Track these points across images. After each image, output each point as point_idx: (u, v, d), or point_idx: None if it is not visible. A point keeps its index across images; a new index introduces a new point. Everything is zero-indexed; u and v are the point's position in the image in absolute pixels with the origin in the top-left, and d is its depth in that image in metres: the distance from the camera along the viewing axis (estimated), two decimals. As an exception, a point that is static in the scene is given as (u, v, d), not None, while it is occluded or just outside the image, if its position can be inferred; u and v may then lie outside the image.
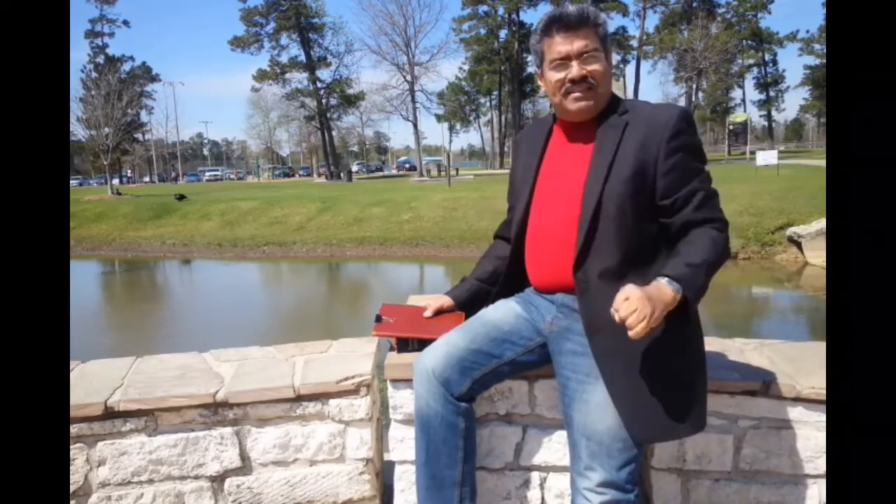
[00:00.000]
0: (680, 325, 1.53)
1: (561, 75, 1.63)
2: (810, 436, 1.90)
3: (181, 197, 25.77)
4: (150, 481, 2.06)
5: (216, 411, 2.05)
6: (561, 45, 1.62)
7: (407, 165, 59.37)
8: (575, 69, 1.61)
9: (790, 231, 13.86)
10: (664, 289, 1.46)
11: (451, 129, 59.62)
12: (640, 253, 1.60)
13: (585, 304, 1.63)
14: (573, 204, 1.64)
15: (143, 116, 59.21)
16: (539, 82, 1.76)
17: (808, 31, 56.08)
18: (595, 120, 1.67)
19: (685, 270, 1.49)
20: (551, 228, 1.70)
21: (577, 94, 1.63)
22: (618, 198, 1.58)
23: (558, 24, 1.62)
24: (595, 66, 1.62)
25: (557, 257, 1.67)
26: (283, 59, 49.69)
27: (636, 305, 1.40)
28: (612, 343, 1.57)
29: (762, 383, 1.90)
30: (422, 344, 1.86)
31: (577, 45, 1.60)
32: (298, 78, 50.05)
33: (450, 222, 18.20)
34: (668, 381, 1.58)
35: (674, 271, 1.49)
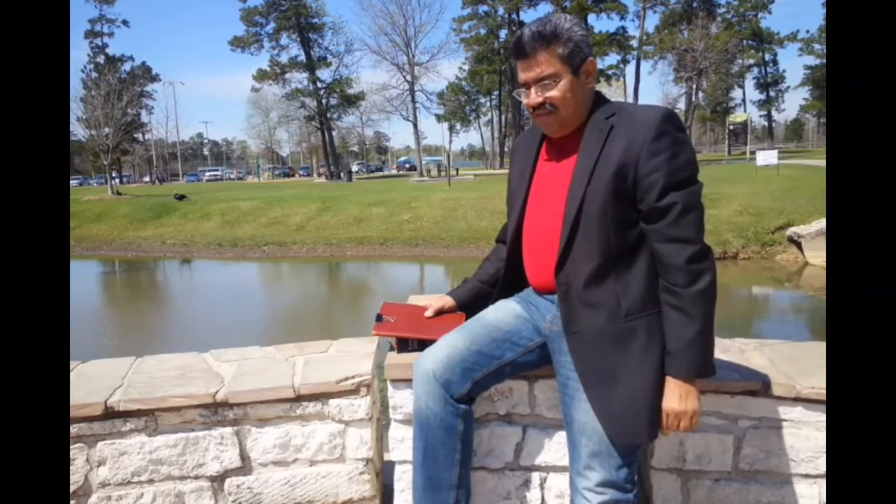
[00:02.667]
0: (654, 339, 1.58)
1: (526, 100, 1.66)
2: (810, 436, 1.90)
3: (181, 197, 25.77)
4: (150, 481, 2.06)
5: (216, 411, 2.05)
6: (520, 72, 1.64)
7: (407, 165, 59.36)
8: (532, 96, 1.62)
9: (790, 231, 13.86)
10: (677, 386, 1.56)
11: (451, 129, 59.72)
12: (621, 256, 1.59)
13: (565, 306, 1.65)
14: (561, 207, 1.64)
15: (143, 116, 59.31)
16: None
17: (808, 31, 56.28)
18: (582, 126, 1.67)
19: (680, 363, 1.54)
20: (543, 231, 1.71)
21: (540, 122, 1.67)
22: (599, 200, 1.57)
23: (516, 52, 1.63)
24: (552, 93, 1.60)
25: (550, 259, 1.67)
26: (283, 59, 49.77)
27: (674, 421, 1.57)
28: (589, 342, 1.61)
29: (762, 383, 1.90)
30: (422, 344, 1.86)
31: (533, 73, 1.60)
32: (298, 78, 50.15)
33: (450, 222, 18.19)
34: (647, 381, 1.58)
35: (671, 369, 1.56)
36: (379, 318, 1.99)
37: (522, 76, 1.63)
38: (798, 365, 2.01)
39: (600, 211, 1.58)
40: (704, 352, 1.54)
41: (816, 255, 12.70)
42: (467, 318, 1.91)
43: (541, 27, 1.58)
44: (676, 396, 1.56)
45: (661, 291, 1.57)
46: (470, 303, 1.98)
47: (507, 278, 1.88)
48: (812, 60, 57.03)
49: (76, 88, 45.23)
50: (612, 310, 1.59)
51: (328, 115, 50.38)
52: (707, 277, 1.53)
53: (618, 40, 48.68)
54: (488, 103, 58.79)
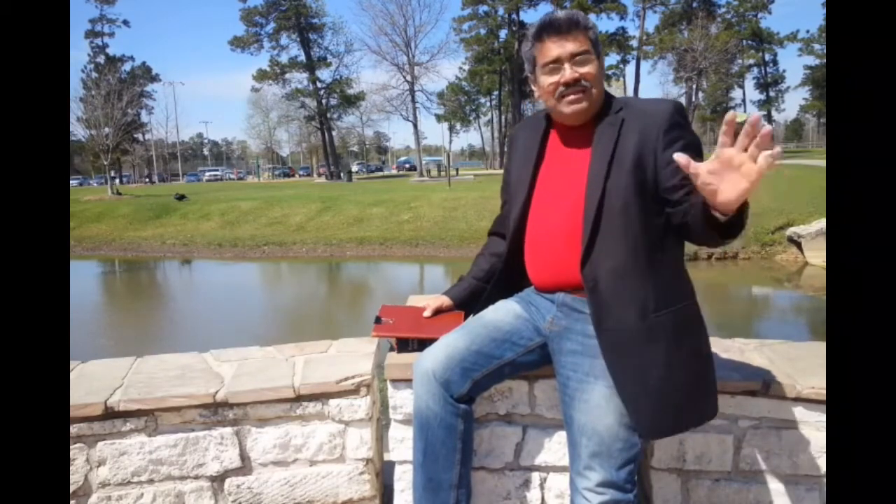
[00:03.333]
0: (682, 335, 1.58)
1: (554, 79, 1.64)
2: (810, 436, 1.90)
3: (181, 197, 25.78)
4: (150, 481, 2.06)
5: (216, 411, 2.05)
6: (553, 49, 1.63)
7: (407, 165, 59.38)
8: (568, 72, 1.63)
9: (790, 231, 13.87)
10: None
11: (451, 129, 59.61)
12: (645, 247, 1.60)
13: (594, 301, 1.63)
14: (575, 203, 1.64)
15: (143, 116, 59.28)
16: (532, 87, 1.76)
17: (808, 31, 56.22)
18: (592, 120, 1.68)
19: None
20: (553, 229, 1.70)
21: (571, 98, 1.65)
22: (621, 192, 1.59)
23: (549, 29, 1.64)
24: (587, 69, 1.63)
25: (559, 257, 1.67)
26: (283, 59, 49.73)
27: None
28: (621, 339, 1.60)
29: (762, 383, 1.90)
30: (422, 344, 1.86)
31: (569, 47, 1.62)
32: (298, 78, 50.11)
33: (450, 222, 18.21)
34: (678, 375, 1.58)
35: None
36: (378, 320, 1.99)
37: (556, 51, 1.63)
38: (798, 365, 2.01)
39: (623, 205, 1.59)
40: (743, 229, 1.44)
41: (816, 255, 12.71)
42: (466, 316, 1.91)
43: (572, 14, 1.66)
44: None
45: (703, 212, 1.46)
46: (467, 300, 1.98)
47: (506, 274, 1.86)
48: (812, 60, 57.06)
49: (76, 88, 45.38)
50: (641, 305, 1.59)
51: (328, 115, 50.37)
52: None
53: (618, 40, 48.70)
54: (488, 103, 58.72)
